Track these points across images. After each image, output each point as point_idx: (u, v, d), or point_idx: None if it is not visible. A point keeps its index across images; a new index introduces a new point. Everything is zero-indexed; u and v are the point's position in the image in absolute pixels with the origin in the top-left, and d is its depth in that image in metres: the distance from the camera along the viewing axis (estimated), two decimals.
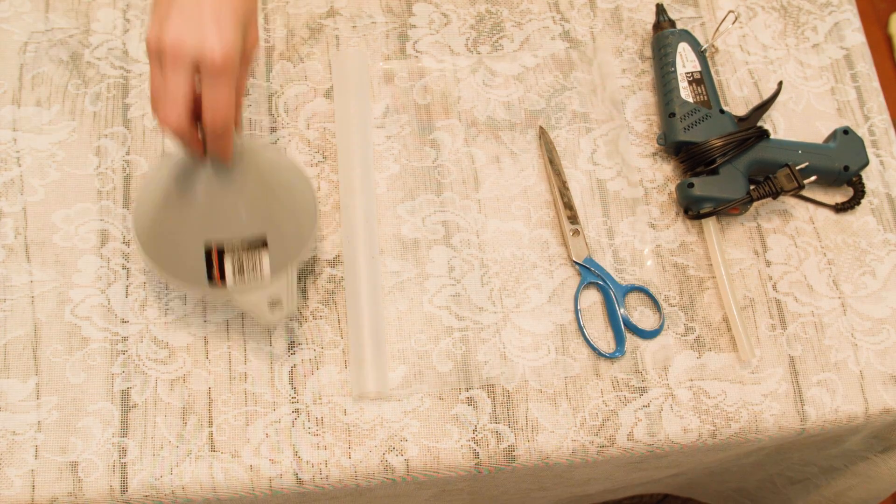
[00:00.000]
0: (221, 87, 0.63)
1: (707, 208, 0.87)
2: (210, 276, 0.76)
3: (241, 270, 0.76)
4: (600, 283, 0.87)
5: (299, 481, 0.79)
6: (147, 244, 0.78)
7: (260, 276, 0.76)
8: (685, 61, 0.93)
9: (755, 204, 0.91)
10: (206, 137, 0.68)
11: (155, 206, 0.78)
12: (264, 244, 0.76)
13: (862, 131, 0.96)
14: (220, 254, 0.75)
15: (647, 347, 0.85)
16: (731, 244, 0.90)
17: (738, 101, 0.96)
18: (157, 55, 0.63)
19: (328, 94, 0.93)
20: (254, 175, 0.76)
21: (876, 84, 0.98)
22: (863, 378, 0.85)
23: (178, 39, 0.61)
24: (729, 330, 0.86)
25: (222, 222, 0.75)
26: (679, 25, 0.98)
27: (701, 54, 0.93)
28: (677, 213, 0.91)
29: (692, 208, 0.88)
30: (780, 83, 0.95)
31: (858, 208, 0.92)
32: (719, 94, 0.95)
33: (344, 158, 0.90)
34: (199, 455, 0.79)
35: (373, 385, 0.81)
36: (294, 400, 0.81)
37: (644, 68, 0.97)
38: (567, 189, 0.90)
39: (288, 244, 0.79)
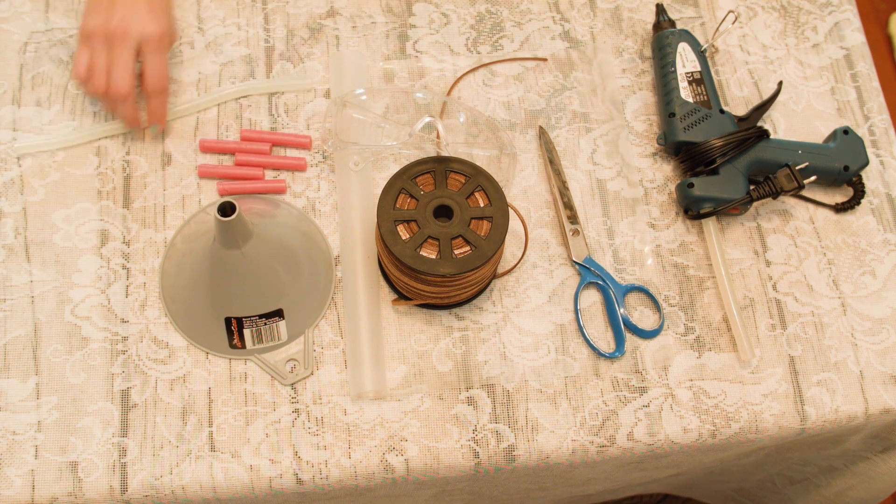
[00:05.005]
0: (158, 59, 0.85)
1: (707, 208, 0.87)
2: (231, 344, 0.82)
3: (260, 338, 0.82)
4: (600, 282, 0.87)
5: (299, 481, 0.79)
6: (175, 314, 0.83)
7: (277, 340, 0.82)
8: (685, 61, 0.93)
9: (755, 204, 0.91)
10: (147, 101, 0.87)
11: (182, 281, 0.84)
12: (280, 314, 0.82)
13: (862, 131, 0.96)
14: (240, 323, 0.81)
15: (647, 347, 0.85)
16: (731, 244, 0.90)
17: (738, 101, 0.96)
18: (103, 38, 0.83)
19: (328, 94, 0.93)
20: (273, 252, 0.81)
21: (876, 84, 0.98)
22: (863, 378, 0.85)
23: (124, 24, 0.83)
24: (729, 330, 0.86)
25: (242, 296, 0.81)
26: (679, 25, 0.98)
27: (701, 54, 0.93)
28: (677, 213, 0.91)
29: (692, 208, 0.88)
30: (780, 83, 0.95)
31: (858, 208, 0.92)
32: (719, 94, 0.95)
33: (342, 158, 0.90)
34: (199, 455, 0.79)
35: (370, 385, 0.81)
36: (294, 400, 0.81)
37: (644, 68, 0.97)
38: (567, 189, 0.90)
39: (304, 312, 0.84)
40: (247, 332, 0.82)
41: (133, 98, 0.85)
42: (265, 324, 0.82)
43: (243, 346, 0.82)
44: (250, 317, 0.81)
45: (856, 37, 1.00)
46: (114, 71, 0.83)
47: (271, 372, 0.82)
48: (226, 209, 0.74)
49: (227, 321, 0.81)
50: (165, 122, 0.89)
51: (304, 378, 0.82)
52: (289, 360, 0.82)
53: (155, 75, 0.85)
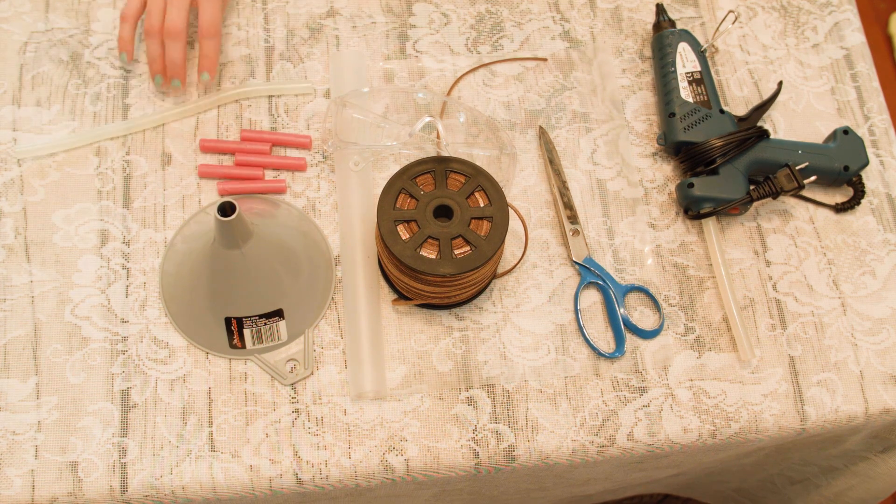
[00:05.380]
0: (213, 3, 0.89)
1: (707, 208, 0.87)
2: (231, 344, 0.82)
3: (260, 338, 0.82)
4: (600, 282, 0.87)
5: (299, 481, 0.79)
6: (175, 314, 0.83)
7: (277, 340, 0.82)
8: (685, 61, 0.93)
9: (755, 204, 0.91)
10: (200, 45, 0.90)
11: (182, 281, 0.83)
12: (280, 314, 0.82)
13: (862, 131, 0.96)
14: (240, 323, 0.81)
15: (647, 347, 0.85)
16: (731, 244, 0.90)
17: (738, 101, 0.96)
18: None
19: (328, 95, 0.93)
20: (273, 252, 0.81)
21: (876, 84, 0.98)
22: (863, 378, 0.85)
23: None
24: (729, 330, 0.86)
25: (242, 296, 0.81)
26: (679, 25, 0.98)
27: (701, 54, 0.93)
28: (677, 213, 0.91)
29: (692, 208, 0.88)
30: (780, 83, 0.95)
31: (858, 208, 0.92)
32: (719, 94, 0.95)
33: (343, 158, 0.90)
34: (199, 455, 0.79)
35: (370, 385, 0.81)
36: (294, 400, 0.81)
37: (644, 68, 0.97)
38: (567, 189, 0.91)
39: (304, 312, 0.83)
40: (247, 332, 0.82)
41: (185, 39, 0.88)
42: (265, 324, 0.82)
43: (243, 346, 0.82)
44: (250, 317, 0.81)
45: (856, 37, 1.00)
46: (170, 9, 0.87)
47: (271, 372, 0.82)
48: (226, 209, 0.74)
49: (227, 321, 0.81)
50: (216, 72, 0.91)
51: (304, 378, 0.82)
52: (289, 360, 0.82)
53: (210, 18, 0.89)
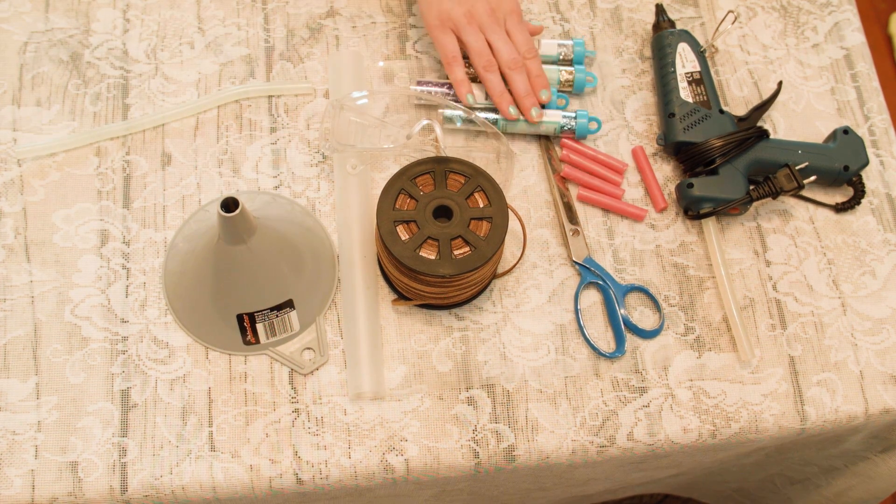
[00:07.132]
0: (522, 28, 0.92)
1: (707, 208, 0.87)
2: (245, 341, 0.82)
3: (273, 330, 0.82)
4: (600, 283, 0.87)
5: (299, 481, 0.79)
6: (184, 317, 0.83)
7: (290, 331, 0.83)
8: (685, 61, 0.93)
9: (755, 204, 0.91)
10: (527, 66, 0.90)
11: (188, 282, 0.83)
12: (291, 305, 0.82)
13: (862, 131, 0.96)
14: (252, 319, 0.81)
15: (647, 347, 0.85)
16: (731, 244, 0.90)
17: (738, 101, 0.96)
18: (471, 21, 0.90)
19: (328, 95, 0.93)
20: (277, 244, 0.81)
21: (876, 84, 0.98)
22: (863, 378, 0.85)
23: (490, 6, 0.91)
24: (729, 330, 0.86)
25: (252, 291, 0.81)
26: (679, 25, 0.98)
27: (701, 54, 0.93)
28: (677, 213, 0.91)
29: (692, 208, 0.88)
30: (780, 83, 0.95)
31: (858, 208, 0.92)
32: (719, 94, 0.95)
33: (341, 158, 0.89)
34: (199, 455, 0.79)
35: (368, 385, 0.81)
36: (294, 400, 0.81)
37: (644, 68, 0.97)
38: (567, 189, 0.90)
39: (313, 299, 0.84)
40: (259, 327, 0.82)
41: (523, 66, 0.90)
42: (277, 316, 0.82)
43: (258, 342, 0.82)
44: (262, 311, 0.81)
45: (856, 37, 1.00)
46: (498, 44, 0.89)
47: (289, 363, 0.82)
48: (229, 205, 0.74)
49: (240, 318, 0.81)
50: (549, 86, 0.91)
51: (322, 365, 0.82)
52: (304, 349, 0.82)
53: (525, 40, 0.90)
